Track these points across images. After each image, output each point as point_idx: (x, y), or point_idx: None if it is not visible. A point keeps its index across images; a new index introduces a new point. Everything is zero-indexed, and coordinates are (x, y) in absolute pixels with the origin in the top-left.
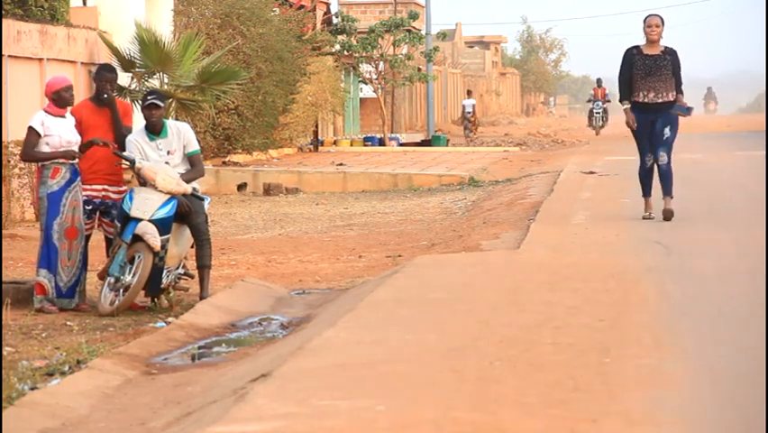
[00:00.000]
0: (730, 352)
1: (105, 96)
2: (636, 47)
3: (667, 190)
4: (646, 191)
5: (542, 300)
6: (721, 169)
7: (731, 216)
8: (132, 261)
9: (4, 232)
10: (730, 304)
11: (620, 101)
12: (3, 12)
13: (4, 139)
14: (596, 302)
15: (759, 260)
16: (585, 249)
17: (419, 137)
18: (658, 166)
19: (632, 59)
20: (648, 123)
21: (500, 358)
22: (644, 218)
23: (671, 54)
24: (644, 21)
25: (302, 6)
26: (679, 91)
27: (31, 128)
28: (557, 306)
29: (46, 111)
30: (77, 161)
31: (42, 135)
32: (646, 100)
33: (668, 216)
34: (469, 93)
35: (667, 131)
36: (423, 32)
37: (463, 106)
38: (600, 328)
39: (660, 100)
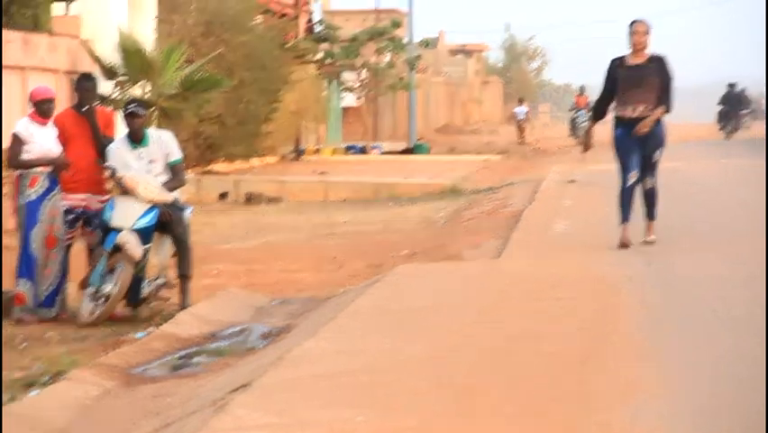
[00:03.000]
0: (711, 361)
1: (86, 106)
2: (620, 58)
3: (651, 213)
4: (625, 216)
5: (523, 310)
6: (703, 177)
7: (712, 224)
8: (112, 270)
9: None
10: (711, 313)
11: (591, 117)
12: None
13: None
14: (577, 311)
15: (743, 268)
16: (566, 258)
17: (401, 146)
18: (644, 190)
19: (615, 72)
20: (635, 140)
21: (481, 367)
22: (620, 247)
23: (657, 61)
24: (630, 27)
25: (284, 15)
26: (666, 104)
27: (15, 135)
28: (538, 315)
29: (30, 118)
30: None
31: (26, 142)
32: (635, 115)
33: (650, 243)
34: (521, 101)
35: (657, 154)
36: (405, 41)
37: (515, 113)
38: (581, 338)
39: (650, 114)
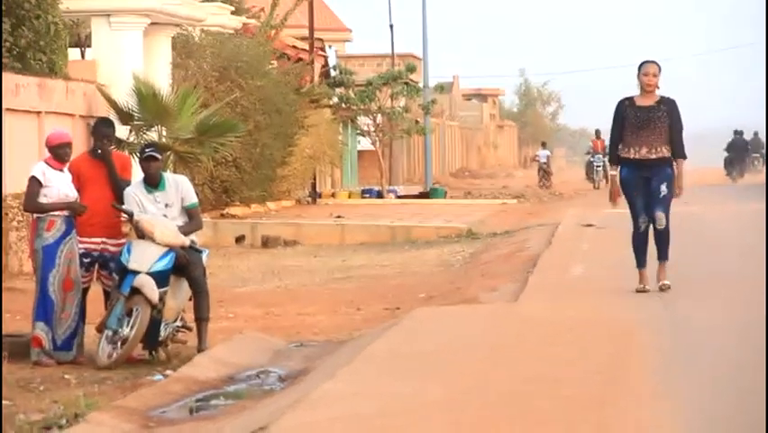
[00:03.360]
0: (727, 403)
1: (100, 150)
2: (629, 98)
3: (663, 254)
4: (641, 261)
5: (540, 353)
6: (718, 221)
7: (728, 269)
8: (129, 313)
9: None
10: (727, 355)
11: (609, 162)
12: (1, 65)
13: (3, 192)
14: (594, 355)
15: (757, 311)
16: (583, 301)
17: (417, 189)
18: (655, 229)
19: (624, 111)
20: (641, 180)
21: (498, 411)
22: (638, 291)
23: (667, 104)
24: (639, 68)
25: (300, 59)
26: (679, 153)
27: (33, 177)
28: (555, 359)
29: (46, 162)
30: (68, 212)
31: (43, 186)
32: (638, 156)
33: (665, 289)
34: (543, 144)
35: (664, 188)
36: (420, 85)
37: (537, 156)
38: (598, 381)
39: (653, 156)
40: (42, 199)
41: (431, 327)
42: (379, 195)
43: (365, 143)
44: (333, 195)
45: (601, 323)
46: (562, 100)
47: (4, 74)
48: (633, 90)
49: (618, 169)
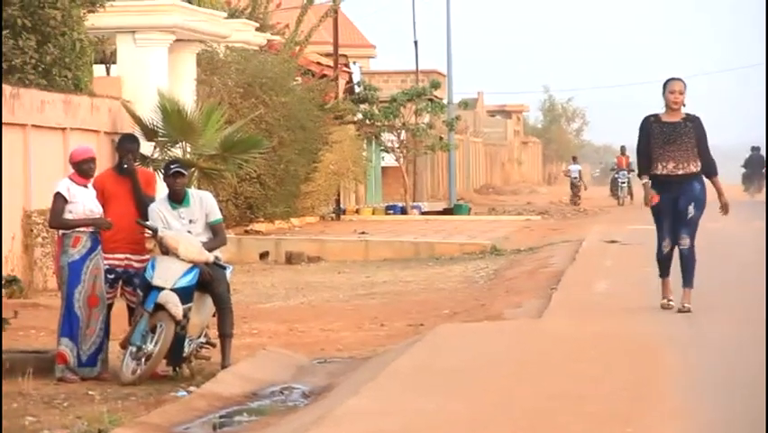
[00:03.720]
0: (752, 423)
1: (126, 165)
2: (655, 115)
3: (688, 280)
4: (664, 272)
5: (564, 370)
6: (740, 238)
7: (754, 287)
8: (153, 330)
9: (26, 301)
10: (752, 374)
11: (638, 175)
12: (27, 82)
13: (27, 208)
14: (618, 372)
15: None
16: (607, 318)
17: (441, 206)
18: (679, 250)
19: (649, 127)
20: (669, 200)
21: (523, 428)
22: (663, 307)
23: (692, 121)
24: (665, 86)
25: (324, 75)
26: (711, 170)
27: (58, 194)
28: (579, 375)
29: (71, 179)
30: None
31: (68, 202)
32: (665, 172)
33: (684, 310)
34: (574, 159)
35: (691, 209)
36: (445, 101)
37: (569, 171)
38: (623, 398)
39: (681, 172)
40: (67, 216)
41: (455, 343)
42: (403, 211)
43: (389, 160)
44: (357, 211)
45: (626, 339)
46: (586, 116)
47: (29, 91)
48: (657, 106)
49: (648, 180)
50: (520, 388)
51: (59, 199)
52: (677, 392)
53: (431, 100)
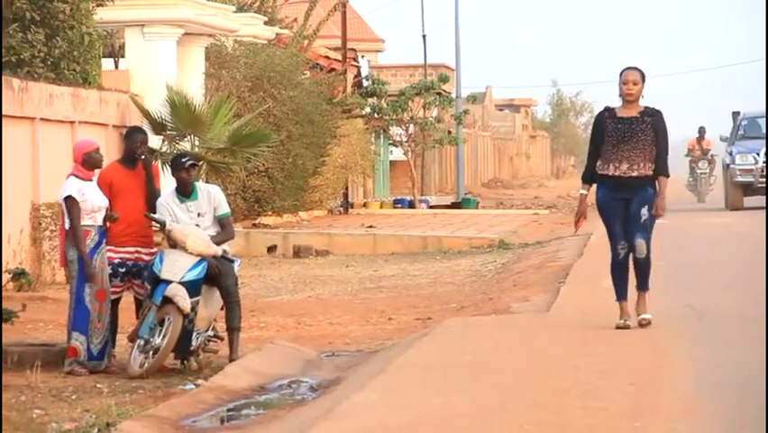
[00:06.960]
0: (759, 418)
1: (143, 156)
2: (610, 108)
3: (643, 284)
4: (621, 293)
5: (572, 364)
6: (748, 233)
7: (759, 279)
8: (161, 323)
9: (34, 294)
10: (761, 369)
11: (582, 180)
12: (36, 75)
13: (35, 201)
14: (626, 366)
15: None
16: (615, 312)
17: (449, 199)
18: (635, 258)
19: (603, 123)
20: (620, 202)
21: (530, 422)
22: (617, 327)
23: (651, 115)
24: (620, 75)
25: (333, 69)
26: (662, 169)
27: (71, 198)
28: (587, 369)
29: (76, 176)
30: (107, 224)
31: (80, 201)
32: (618, 173)
33: (644, 325)
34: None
35: (644, 211)
36: (453, 95)
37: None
38: (630, 393)
39: (635, 174)
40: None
41: (463, 337)
42: (411, 205)
43: (397, 153)
44: (364, 205)
45: (633, 334)
46: (594, 110)
47: (37, 84)
48: (663, 99)
49: (593, 188)
50: (528, 382)
51: (75, 205)
52: (685, 389)
53: (439, 94)
